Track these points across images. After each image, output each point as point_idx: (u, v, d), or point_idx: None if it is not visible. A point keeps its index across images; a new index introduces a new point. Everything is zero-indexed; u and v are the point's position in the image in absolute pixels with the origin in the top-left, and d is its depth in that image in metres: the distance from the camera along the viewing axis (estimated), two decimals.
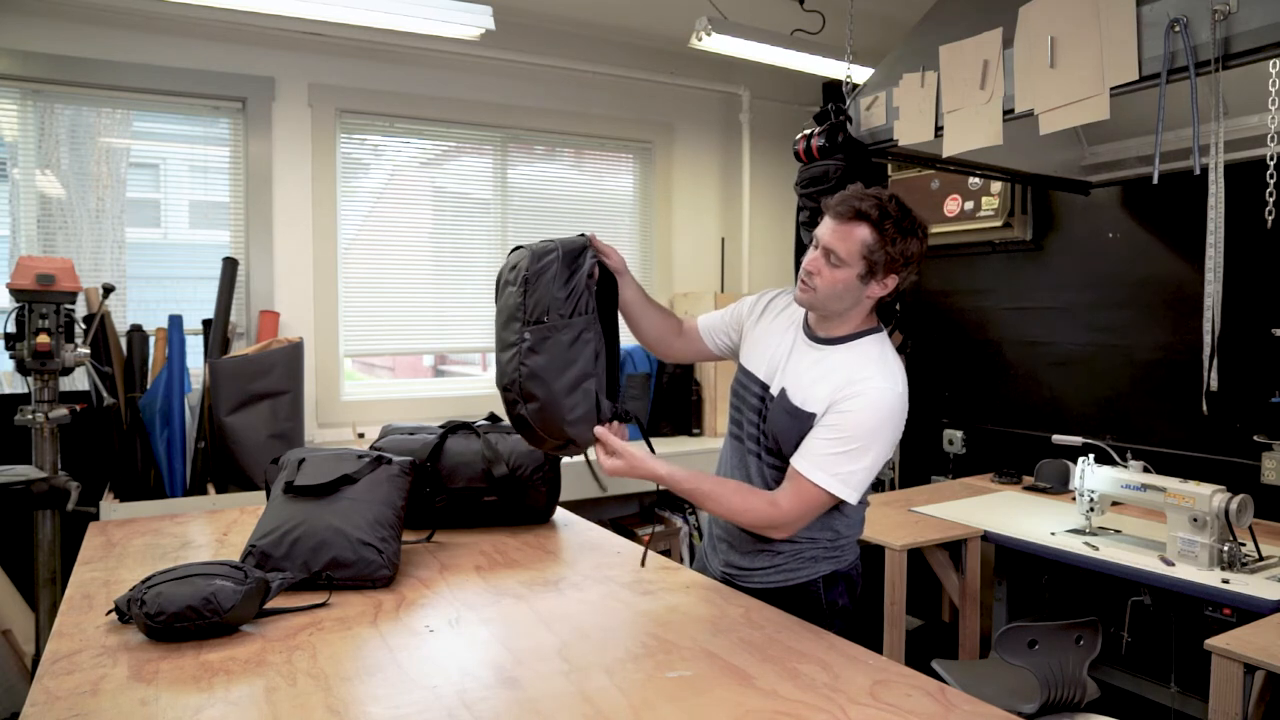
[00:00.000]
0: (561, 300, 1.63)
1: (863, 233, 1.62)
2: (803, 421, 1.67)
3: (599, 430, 1.64)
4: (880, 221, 1.61)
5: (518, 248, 1.72)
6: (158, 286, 3.43)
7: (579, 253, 1.67)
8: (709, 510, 1.70)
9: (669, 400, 3.97)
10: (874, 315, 1.76)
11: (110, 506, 2.69)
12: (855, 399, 1.62)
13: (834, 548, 1.77)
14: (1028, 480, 3.50)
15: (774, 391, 1.74)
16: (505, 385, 1.66)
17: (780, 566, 1.77)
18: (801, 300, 1.72)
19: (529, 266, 1.65)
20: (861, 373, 1.64)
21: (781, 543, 1.74)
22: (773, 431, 1.72)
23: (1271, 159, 2.12)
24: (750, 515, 1.66)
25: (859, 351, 1.69)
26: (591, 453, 1.69)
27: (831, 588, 1.79)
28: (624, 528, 3.81)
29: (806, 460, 1.63)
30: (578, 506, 2.51)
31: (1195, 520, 2.38)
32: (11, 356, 2.75)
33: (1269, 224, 2.13)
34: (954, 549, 2.84)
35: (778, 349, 1.78)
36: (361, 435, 3.57)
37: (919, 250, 1.66)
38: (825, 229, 1.67)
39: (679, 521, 3.90)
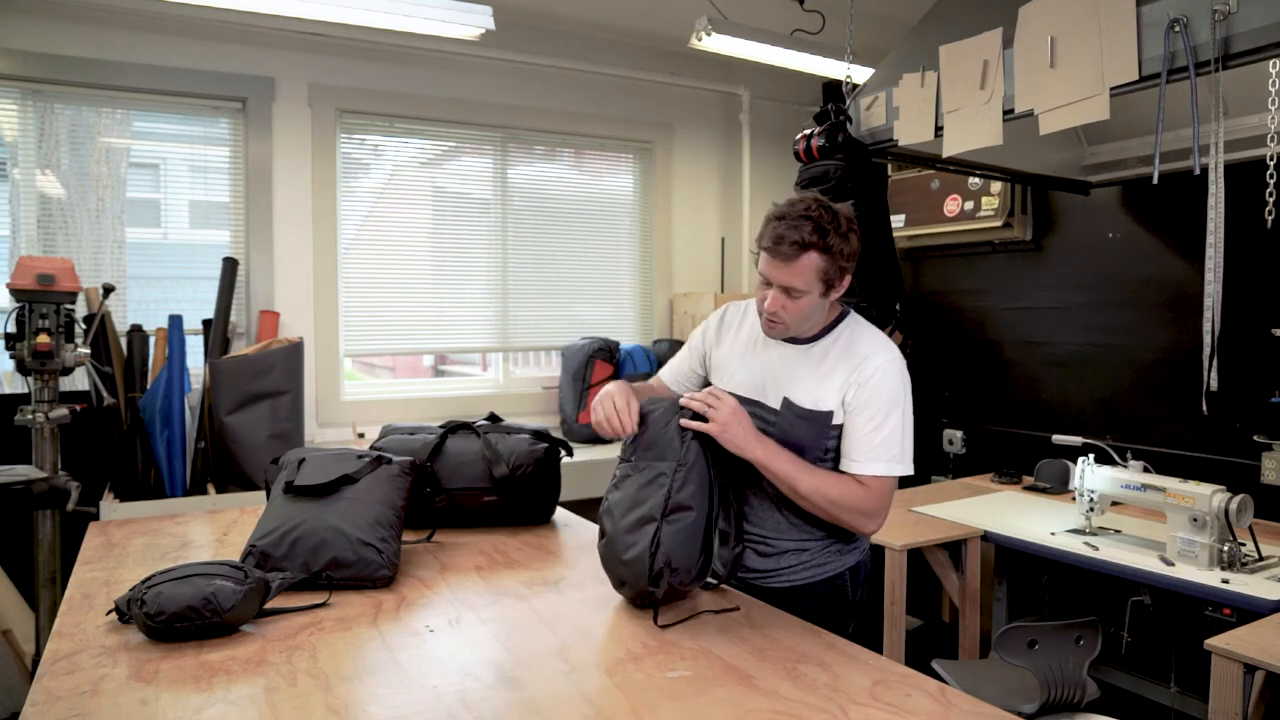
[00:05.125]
0: (652, 440, 1.63)
1: (814, 260, 1.61)
2: (820, 421, 1.68)
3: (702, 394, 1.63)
4: (825, 242, 1.60)
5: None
6: (158, 286, 3.43)
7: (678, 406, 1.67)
8: (799, 493, 1.64)
9: None
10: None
11: (110, 506, 2.69)
12: (867, 383, 1.65)
13: (856, 537, 1.80)
14: (1028, 480, 3.50)
15: (773, 404, 1.73)
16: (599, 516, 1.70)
17: (809, 562, 1.78)
18: (774, 335, 1.73)
19: (648, 403, 1.69)
20: (859, 355, 1.68)
21: (810, 539, 1.76)
22: (789, 440, 1.70)
23: (1271, 159, 2.12)
24: (841, 495, 1.64)
25: (846, 336, 1.72)
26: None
27: (855, 578, 1.82)
28: None
29: (863, 461, 1.65)
30: (578, 506, 2.51)
31: (1195, 520, 2.38)
32: (12, 356, 2.75)
33: (1269, 224, 2.13)
34: (954, 549, 2.84)
35: (759, 365, 1.77)
36: (361, 435, 3.57)
37: (859, 240, 1.66)
38: (774, 269, 1.63)
39: None
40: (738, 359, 1.81)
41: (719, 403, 1.61)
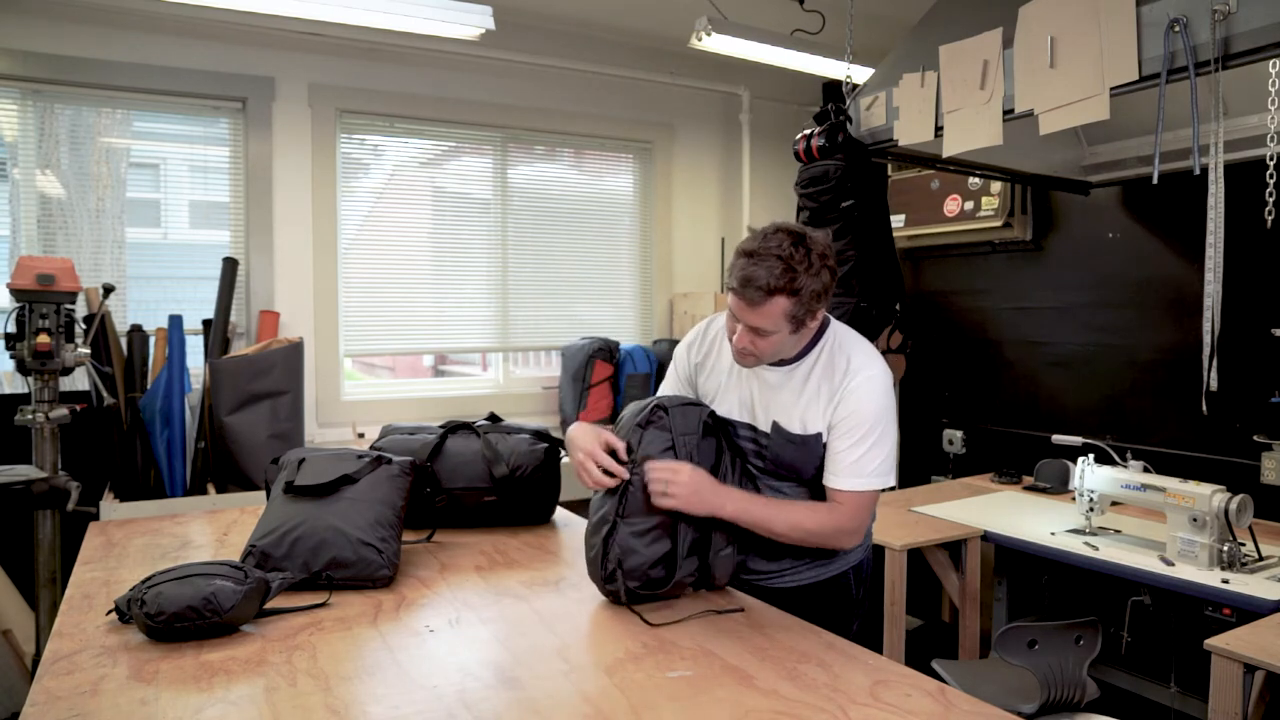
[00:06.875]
0: (633, 444, 1.64)
1: (780, 304, 1.54)
2: (810, 444, 1.67)
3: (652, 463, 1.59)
4: (794, 285, 1.54)
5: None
6: (158, 286, 3.43)
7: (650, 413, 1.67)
8: (776, 535, 1.65)
9: None
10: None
11: (110, 506, 2.69)
12: (850, 398, 1.63)
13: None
14: (1028, 480, 3.50)
15: (764, 428, 1.72)
16: None
17: (813, 562, 1.78)
18: (746, 366, 1.69)
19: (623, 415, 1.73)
20: (841, 372, 1.65)
21: None
22: (783, 462, 1.71)
23: (1271, 159, 2.12)
24: (817, 525, 1.65)
25: (828, 352, 1.69)
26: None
27: (858, 576, 1.83)
28: None
29: (841, 477, 1.64)
30: (578, 506, 2.51)
31: (1195, 520, 2.37)
32: (12, 356, 2.75)
33: (1269, 224, 2.13)
34: (954, 549, 2.84)
35: (746, 389, 1.75)
36: (361, 435, 3.57)
37: (833, 275, 1.60)
38: (741, 310, 1.58)
39: None
40: (724, 381, 1.78)
41: (675, 474, 1.57)
